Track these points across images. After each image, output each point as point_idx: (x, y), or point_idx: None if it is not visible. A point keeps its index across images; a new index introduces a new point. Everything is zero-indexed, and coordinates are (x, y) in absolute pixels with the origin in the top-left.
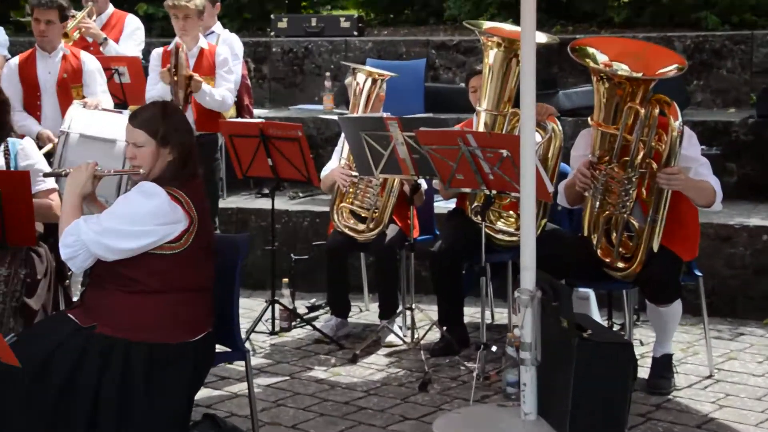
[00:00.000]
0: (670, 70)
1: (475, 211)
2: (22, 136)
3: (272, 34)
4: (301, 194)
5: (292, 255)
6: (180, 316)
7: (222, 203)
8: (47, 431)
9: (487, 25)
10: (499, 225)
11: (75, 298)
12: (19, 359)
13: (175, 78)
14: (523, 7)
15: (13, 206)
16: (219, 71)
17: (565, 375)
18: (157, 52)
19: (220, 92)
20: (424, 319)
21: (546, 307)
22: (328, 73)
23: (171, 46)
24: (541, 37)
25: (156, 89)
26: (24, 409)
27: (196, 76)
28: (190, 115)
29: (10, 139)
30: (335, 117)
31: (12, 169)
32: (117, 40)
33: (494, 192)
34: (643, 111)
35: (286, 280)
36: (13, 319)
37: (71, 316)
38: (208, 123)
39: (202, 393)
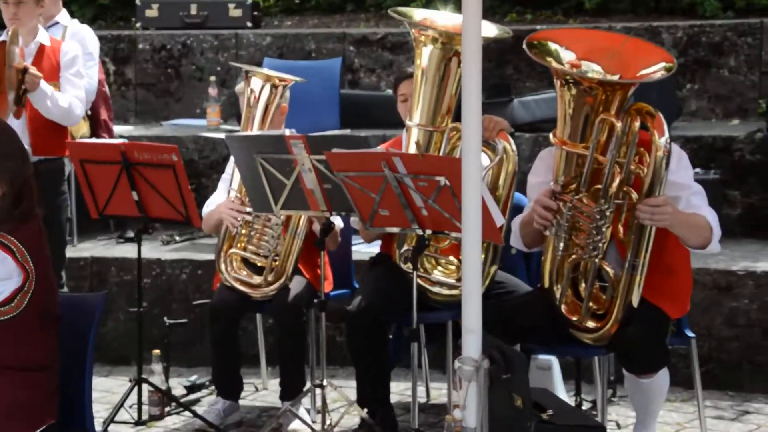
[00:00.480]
0: (656, 71)
1: (405, 258)
2: None
3: (138, 25)
4: (177, 238)
5: (165, 319)
6: (13, 403)
7: (71, 251)
8: None
9: (419, 14)
10: (436, 275)
11: None
12: None
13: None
14: None
15: None
16: (65, 74)
17: None
18: None
19: (67, 98)
20: (339, 399)
21: (495, 380)
22: (213, 78)
23: (4, 36)
24: (490, 30)
25: None
26: None
27: (33, 69)
28: (24, 131)
29: None
30: (222, 135)
31: None
32: None
33: (429, 232)
34: (619, 125)
35: (157, 351)
36: None
37: None
38: (50, 144)
39: None
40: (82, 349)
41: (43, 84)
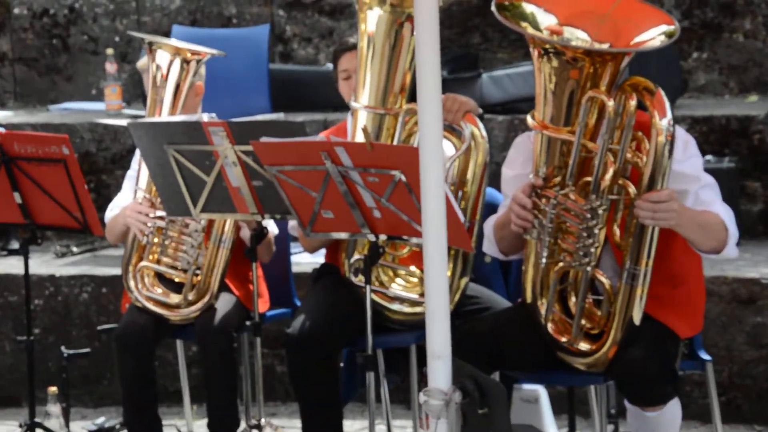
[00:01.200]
0: (654, 37)
1: (356, 269)
2: None
3: None
4: (74, 249)
5: (63, 349)
6: None
7: None
8: None
9: None
10: (395, 289)
11: None
12: None
13: None
14: None
15: None
16: None
17: None
18: None
19: None
20: None
21: (470, 416)
22: (110, 51)
23: None
24: None
25: None
26: None
27: None
28: None
29: None
30: (125, 122)
31: None
32: None
33: (384, 238)
34: (611, 104)
35: (54, 389)
36: None
37: None
38: None
39: None
40: None
41: None
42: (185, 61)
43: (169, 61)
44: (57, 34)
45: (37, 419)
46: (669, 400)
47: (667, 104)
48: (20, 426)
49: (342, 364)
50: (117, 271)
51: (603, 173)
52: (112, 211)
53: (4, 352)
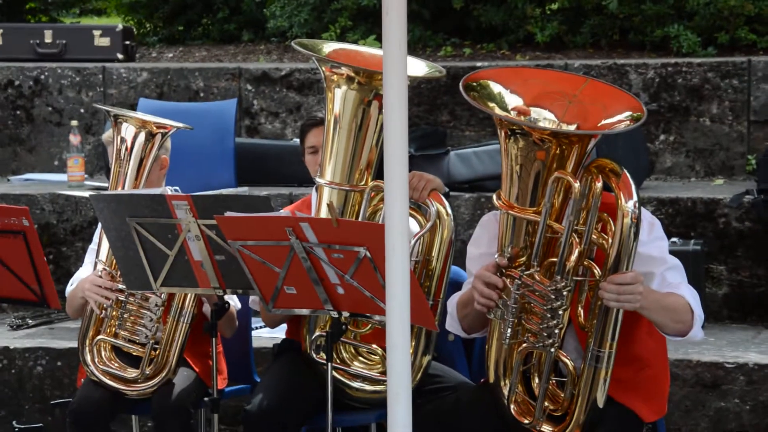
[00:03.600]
0: (621, 120)
1: (317, 346)
2: None
3: None
4: (30, 321)
5: (14, 423)
6: None
7: None
8: None
9: (330, 47)
10: (356, 367)
11: None
12: None
13: None
14: (385, 16)
15: None
16: None
17: None
18: None
19: None
20: None
21: None
22: (74, 122)
23: None
24: (419, 67)
25: None
26: None
27: None
28: None
29: None
30: (87, 194)
31: None
32: None
33: (346, 315)
34: (577, 185)
35: None
36: None
37: None
38: None
39: None
40: None
41: None
42: (151, 134)
43: (135, 133)
44: (21, 105)
45: None
46: None
47: (633, 186)
48: None
49: None
50: (73, 343)
51: (568, 254)
52: (72, 285)
53: None
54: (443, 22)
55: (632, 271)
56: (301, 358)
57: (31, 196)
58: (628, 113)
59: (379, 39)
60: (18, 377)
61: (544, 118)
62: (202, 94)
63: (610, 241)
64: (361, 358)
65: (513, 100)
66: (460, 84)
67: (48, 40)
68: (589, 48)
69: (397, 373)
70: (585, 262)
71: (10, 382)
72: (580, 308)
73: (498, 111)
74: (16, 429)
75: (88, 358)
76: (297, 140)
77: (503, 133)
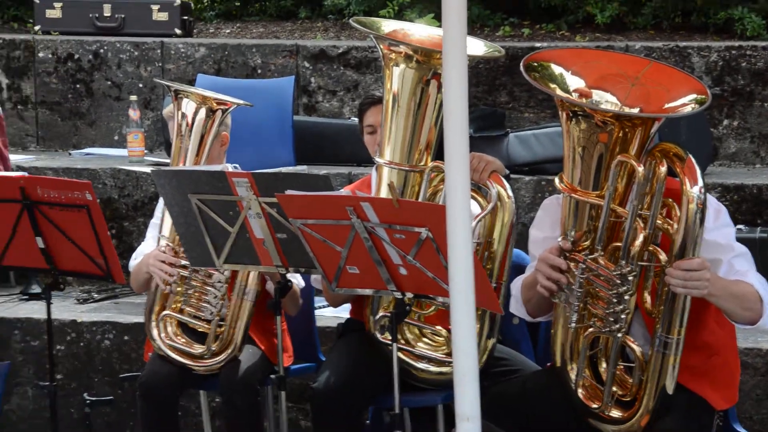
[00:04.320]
0: (685, 104)
1: (381, 326)
2: None
3: (37, 29)
4: (96, 295)
5: (85, 395)
6: None
7: None
8: None
9: (389, 25)
10: (421, 348)
11: None
12: None
13: None
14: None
15: None
16: None
17: None
18: None
19: None
20: None
21: None
22: (134, 97)
23: None
24: (478, 47)
25: None
26: None
27: None
28: None
29: None
30: (148, 169)
31: None
32: None
33: (410, 295)
34: (641, 169)
35: None
36: None
37: None
38: None
39: None
40: None
41: None
42: (211, 110)
43: (195, 109)
44: (81, 78)
45: None
46: None
47: (698, 171)
48: None
49: (368, 422)
50: (139, 318)
51: (633, 239)
52: (135, 260)
53: (26, 397)
54: (502, 1)
55: (699, 257)
56: (365, 338)
57: (93, 171)
58: (692, 96)
59: (436, 17)
60: (86, 350)
61: (607, 101)
62: (259, 71)
63: (675, 226)
64: (425, 339)
65: (574, 82)
66: (521, 64)
67: (107, 14)
68: (650, 30)
69: (463, 355)
70: (650, 248)
71: (80, 355)
72: (646, 294)
73: (559, 92)
74: (88, 401)
75: (155, 332)
76: (355, 119)
77: (565, 115)
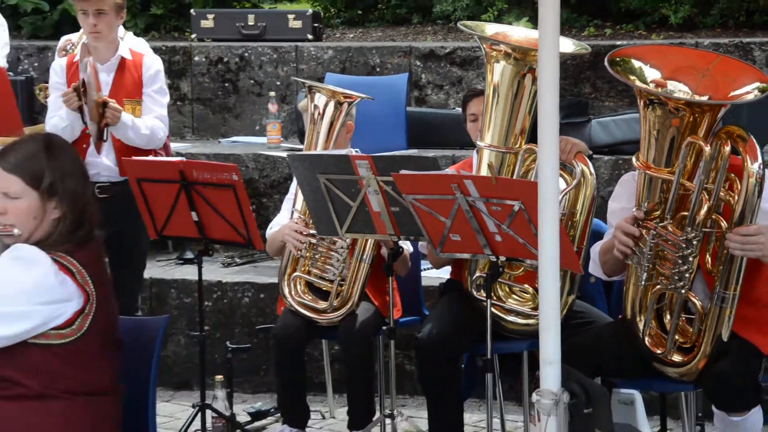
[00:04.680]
0: (749, 92)
1: (477, 285)
2: None
3: (193, 37)
4: (238, 260)
5: (228, 343)
6: (76, 429)
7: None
8: None
9: (491, 28)
10: (510, 303)
11: None
12: None
13: (81, 103)
14: (541, 2)
15: None
16: (148, 90)
17: None
18: (60, 65)
19: (148, 123)
20: (410, 429)
21: (576, 414)
22: (272, 93)
23: (78, 56)
24: (568, 45)
25: (59, 116)
26: None
27: (112, 103)
28: (109, 150)
29: None
30: (284, 154)
31: None
32: None
33: (503, 259)
34: (708, 149)
35: (220, 377)
36: None
37: None
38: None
39: None
40: (145, 374)
41: (124, 116)
42: (339, 103)
43: (326, 102)
44: (229, 78)
45: (206, 401)
46: (752, 408)
47: (759, 150)
48: (193, 406)
49: (463, 366)
50: (273, 279)
51: (698, 209)
52: (271, 229)
53: (179, 345)
54: (587, 5)
55: (756, 224)
56: (463, 295)
57: (237, 156)
58: (755, 85)
59: (530, 21)
60: (229, 306)
61: (679, 90)
62: (378, 69)
63: (736, 198)
64: (514, 296)
65: (652, 74)
66: (606, 59)
67: (251, 23)
68: (717, 28)
69: (548, 308)
70: (713, 216)
71: (224, 310)
72: (707, 256)
73: (639, 83)
74: (230, 348)
75: (286, 291)
76: (459, 109)
77: (642, 103)
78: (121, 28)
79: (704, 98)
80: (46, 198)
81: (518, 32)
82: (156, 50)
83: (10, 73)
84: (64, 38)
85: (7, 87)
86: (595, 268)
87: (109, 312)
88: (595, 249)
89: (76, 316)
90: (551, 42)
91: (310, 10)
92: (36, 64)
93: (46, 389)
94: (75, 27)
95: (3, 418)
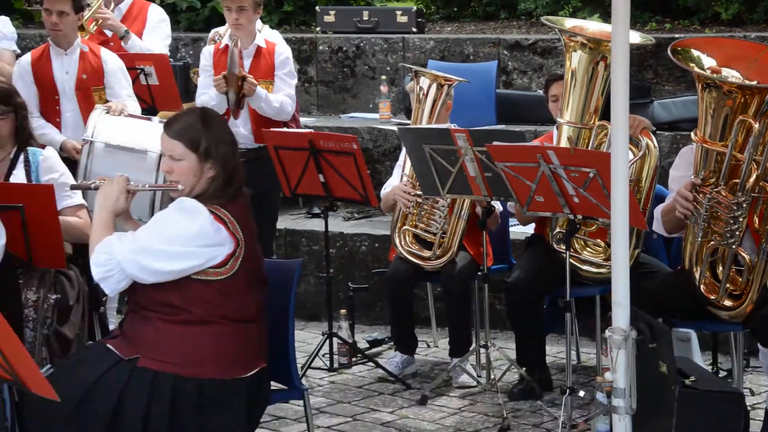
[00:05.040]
0: None
1: (557, 239)
2: (43, 146)
3: (318, 29)
4: (356, 215)
5: (349, 284)
6: (230, 349)
7: None
8: None
9: (569, 22)
10: (585, 255)
11: (112, 327)
12: (58, 392)
13: (228, 88)
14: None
15: (37, 223)
16: (279, 73)
17: (664, 427)
18: (208, 50)
19: (278, 98)
20: (500, 358)
21: (642, 349)
22: (383, 77)
23: (224, 43)
24: (635, 37)
25: (208, 94)
26: None
27: (250, 78)
28: (246, 122)
29: (30, 149)
30: (394, 127)
31: (34, 182)
32: (139, 34)
33: (580, 217)
34: (757, 126)
35: (343, 311)
36: (46, 349)
37: (111, 347)
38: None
39: None
40: (284, 307)
41: (259, 89)
42: (440, 85)
43: (429, 84)
44: (347, 64)
45: (333, 330)
46: None
47: None
48: (322, 334)
49: (545, 306)
50: (386, 231)
51: (748, 177)
52: (385, 190)
53: (309, 284)
54: (650, 3)
55: None
56: (545, 248)
57: (355, 129)
58: None
59: (600, 17)
60: (350, 253)
61: (733, 76)
62: (471, 57)
63: None
64: (588, 248)
65: (708, 62)
66: (669, 49)
67: (365, 18)
68: (762, 24)
69: (619, 259)
70: (760, 183)
71: (345, 256)
72: (755, 216)
73: (697, 69)
74: (351, 288)
75: (397, 241)
76: (540, 92)
77: (700, 86)
78: (259, 22)
79: (754, 83)
80: (203, 160)
81: (592, 26)
82: (287, 41)
83: (171, 60)
84: (213, 30)
85: (169, 71)
86: (657, 226)
87: (255, 255)
88: (658, 210)
89: (229, 258)
90: (622, 34)
91: (415, 7)
92: (191, 52)
93: (205, 316)
94: (222, 21)
95: (170, 338)
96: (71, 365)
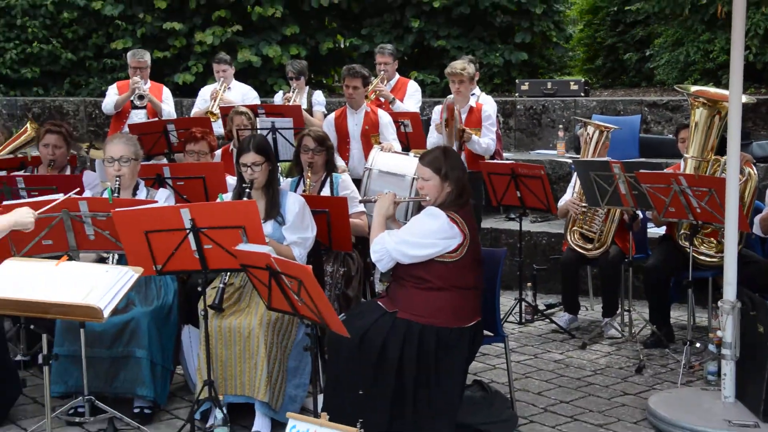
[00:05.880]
0: None
1: (684, 237)
2: (341, 172)
3: (516, 94)
4: (539, 219)
5: (534, 265)
6: (458, 307)
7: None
8: (365, 387)
9: (694, 88)
10: (703, 248)
11: (377, 290)
12: (348, 331)
13: (447, 129)
14: (732, 75)
15: (336, 222)
16: (485, 124)
17: (760, 369)
18: (436, 109)
19: (485, 141)
20: (638, 318)
21: (744, 315)
22: (561, 126)
23: (445, 104)
24: (743, 98)
25: (434, 136)
26: (350, 369)
27: (467, 130)
28: (463, 157)
29: (334, 174)
30: (567, 160)
31: (335, 196)
32: (402, 100)
33: (700, 222)
34: None
35: (529, 284)
36: (336, 303)
37: (380, 304)
38: (475, 163)
39: (472, 365)
40: (493, 280)
41: (473, 137)
42: (601, 132)
43: (593, 131)
44: (536, 117)
45: (522, 297)
46: None
47: None
48: (514, 299)
49: (671, 284)
50: (561, 230)
51: None
52: (560, 202)
53: (506, 265)
54: (750, 74)
55: None
56: (673, 243)
57: (540, 161)
58: None
59: (715, 84)
60: (534, 245)
61: None
62: (622, 112)
63: None
64: (704, 244)
65: None
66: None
67: (549, 86)
68: None
69: (729, 251)
70: None
71: (531, 247)
72: None
73: None
74: (535, 269)
75: (569, 237)
76: (672, 135)
77: None
78: (477, 88)
79: None
80: (443, 180)
81: (710, 90)
82: (497, 102)
83: (422, 116)
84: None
85: (419, 123)
86: (756, 230)
87: (476, 244)
88: (757, 218)
89: (459, 247)
90: (737, 97)
91: (583, 79)
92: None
93: (442, 284)
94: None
95: (419, 299)
96: (354, 314)
